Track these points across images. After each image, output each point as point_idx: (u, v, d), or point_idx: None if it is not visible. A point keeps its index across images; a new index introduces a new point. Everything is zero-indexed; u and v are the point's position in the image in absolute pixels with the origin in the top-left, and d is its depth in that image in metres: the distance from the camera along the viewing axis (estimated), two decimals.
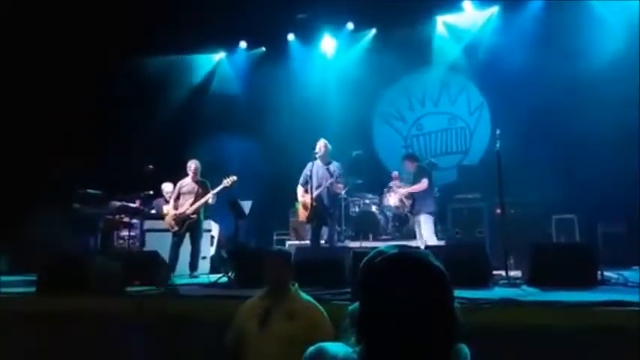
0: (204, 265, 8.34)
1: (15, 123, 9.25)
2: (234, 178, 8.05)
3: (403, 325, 1.24)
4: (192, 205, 8.06)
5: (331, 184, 7.78)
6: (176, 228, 8.06)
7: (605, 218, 7.76)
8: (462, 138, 11.26)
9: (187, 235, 8.11)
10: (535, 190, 7.95)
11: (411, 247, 1.39)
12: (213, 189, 8.11)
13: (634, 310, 3.68)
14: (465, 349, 1.33)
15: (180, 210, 8.08)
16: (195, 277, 7.75)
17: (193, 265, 7.96)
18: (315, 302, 3.66)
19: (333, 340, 3.23)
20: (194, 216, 8.05)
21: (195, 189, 8.15)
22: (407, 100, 11.76)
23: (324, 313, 3.55)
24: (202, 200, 8.07)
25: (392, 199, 9.76)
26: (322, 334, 3.35)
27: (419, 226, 8.15)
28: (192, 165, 8.28)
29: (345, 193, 9.18)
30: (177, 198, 8.23)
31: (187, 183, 8.26)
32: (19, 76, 9.21)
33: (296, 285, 3.66)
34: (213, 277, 6.80)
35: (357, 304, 1.36)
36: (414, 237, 8.48)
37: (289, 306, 3.49)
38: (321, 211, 7.79)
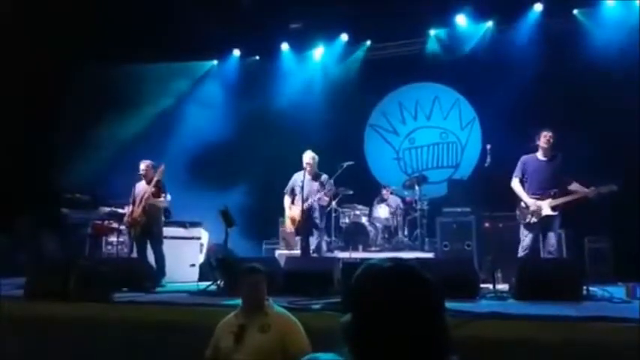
0: (193, 273, 8.32)
1: (2, 128, 9.17)
2: (162, 166, 7.76)
3: (396, 338, 1.25)
4: (138, 207, 7.71)
5: (319, 198, 7.76)
6: (132, 233, 7.80)
7: (592, 234, 7.81)
8: (453, 152, 11.30)
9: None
10: None
11: (403, 260, 1.39)
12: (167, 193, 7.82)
13: (619, 325, 3.72)
14: None
15: (133, 215, 7.73)
16: (162, 285, 7.31)
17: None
18: (287, 312, 3.72)
19: (307, 349, 3.29)
20: (140, 219, 7.61)
21: (147, 190, 7.72)
22: (399, 113, 11.80)
23: (297, 323, 3.61)
24: (144, 202, 7.61)
25: (382, 212, 9.77)
26: (296, 343, 3.41)
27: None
28: (141, 165, 7.86)
29: (336, 204, 9.21)
30: (134, 202, 7.85)
31: (140, 184, 7.93)
32: (6, 80, 9.12)
33: (270, 300, 3.69)
34: (202, 285, 6.78)
35: (348, 315, 1.36)
36: (403, 249, 8.46)
37: (263, 320, 3.54)
38: (309, 223, 7.80)
